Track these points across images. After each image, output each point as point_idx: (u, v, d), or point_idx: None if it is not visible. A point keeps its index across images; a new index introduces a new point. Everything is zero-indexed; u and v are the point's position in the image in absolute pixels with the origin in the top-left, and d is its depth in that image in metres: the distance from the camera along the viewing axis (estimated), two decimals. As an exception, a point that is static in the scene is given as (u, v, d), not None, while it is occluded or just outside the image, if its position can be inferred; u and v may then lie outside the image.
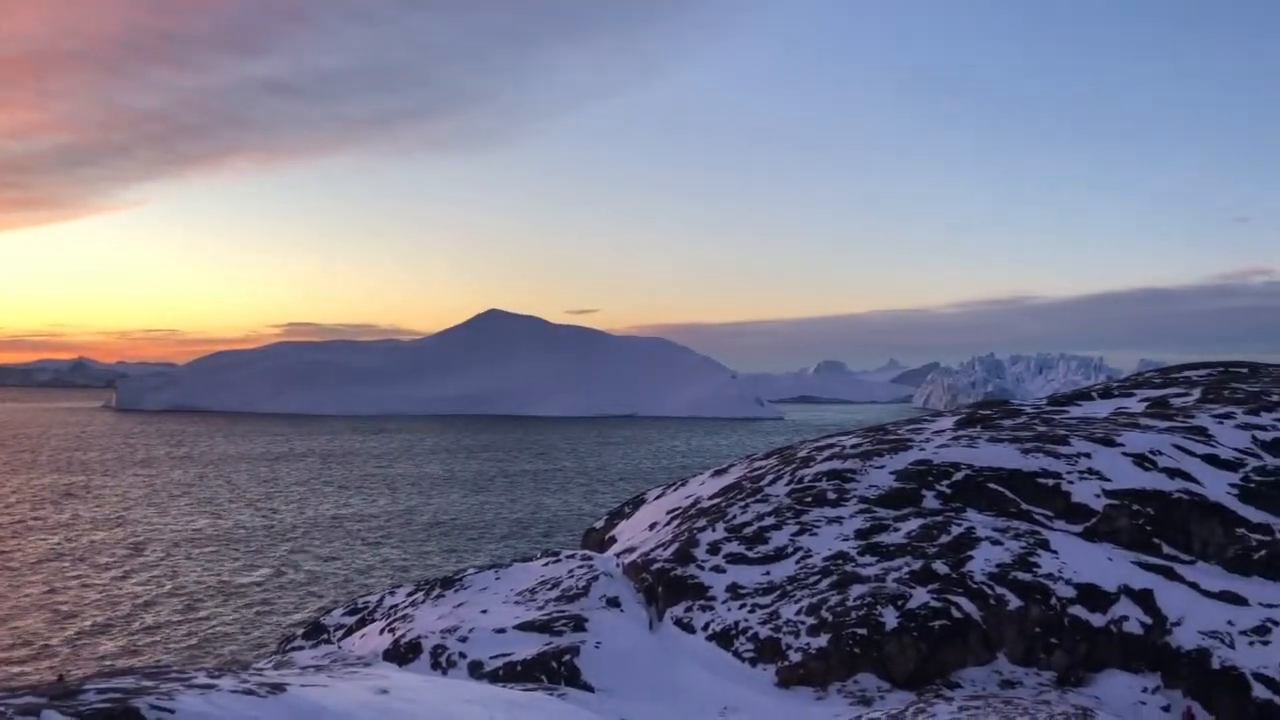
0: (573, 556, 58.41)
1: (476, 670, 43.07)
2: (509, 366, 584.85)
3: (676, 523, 59.58)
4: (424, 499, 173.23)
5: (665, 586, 50.10)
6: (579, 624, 46.32)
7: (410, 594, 56.22)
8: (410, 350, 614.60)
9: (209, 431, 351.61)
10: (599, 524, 72.80)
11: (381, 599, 57.26)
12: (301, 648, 52.45)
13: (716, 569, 50.93)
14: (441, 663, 44.14)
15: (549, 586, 52.52)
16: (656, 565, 52.07)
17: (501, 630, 46.42)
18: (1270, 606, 46.78)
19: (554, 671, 42.29)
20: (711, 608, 47.93)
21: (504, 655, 43.82)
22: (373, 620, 53.38)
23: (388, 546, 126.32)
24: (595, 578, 52.38)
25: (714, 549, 52.61)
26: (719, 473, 71.63)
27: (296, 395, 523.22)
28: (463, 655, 44.33)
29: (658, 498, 71.01)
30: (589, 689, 41.31)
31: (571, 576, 53.21)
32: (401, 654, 45.52)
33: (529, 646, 44.31)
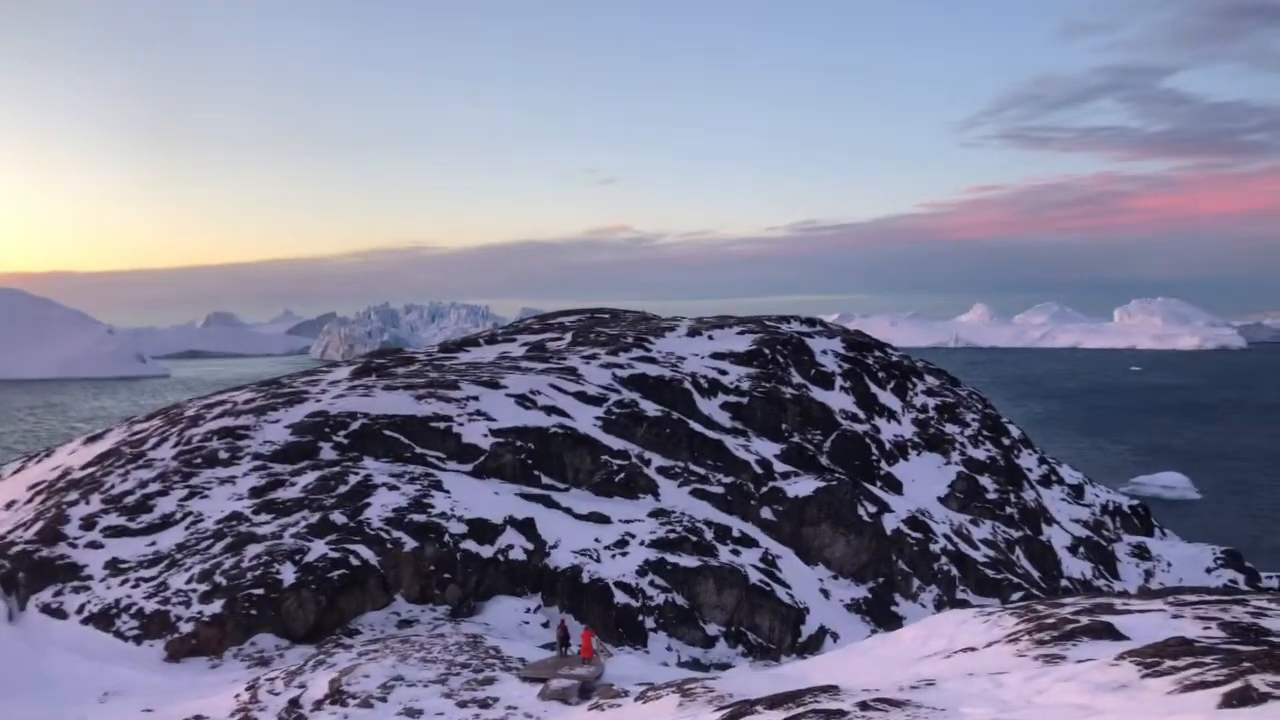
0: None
1: None
2: None
3: (41, 498, 52.94)
4: None
5: (28, 571, 44.27)
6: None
7: None
8: None
9: None
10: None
11: None
12: None
13: (93, 545, 46.15)
14: None
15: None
16: (16, 549, 45.79)
17: None
18: (628, 522, 53.59)
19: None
20: (88, 588, 43.38)
21: None
22: None
23: None
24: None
25: (89, 523, 47.58)
26: (93, 439, 64.84)
27: None
28: None
29: (15, 472, 62.55)
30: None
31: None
32: None
33: None
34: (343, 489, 50.19)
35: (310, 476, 51.60)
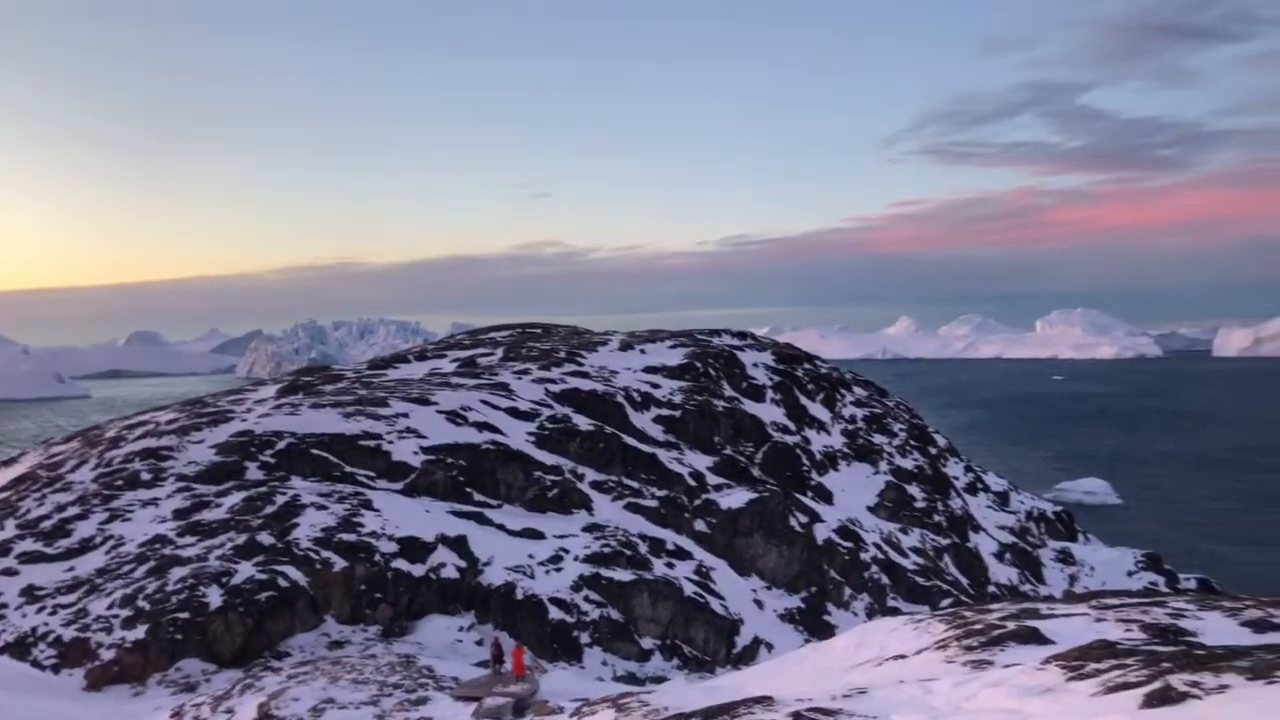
0: None
1: None
2: None
3: (-47, 524, 51.14)
4: None
5: (-61, 600, 42.78)
6: None
7: None
8: None
9: None
10: None
11: None
12: None
13: (8, 572, 44.77)
14: None
15: None
16: (-73, 577, 44.20)
17: None
18: (562, 537, 53.40)
19: None
20: (2, 616, 42.03)
21: None
22: None
23: None
24: None
25: (3, 550, 46.16)
26: (7, 463, 63.02)
27: None
28: None
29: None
30: None
31: None
32: None
33: None
34: (270, 509, 49.28)
35: (236, 497, 50.59)
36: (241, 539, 46.34)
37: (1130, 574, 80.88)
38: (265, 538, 46.56)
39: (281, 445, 55.96)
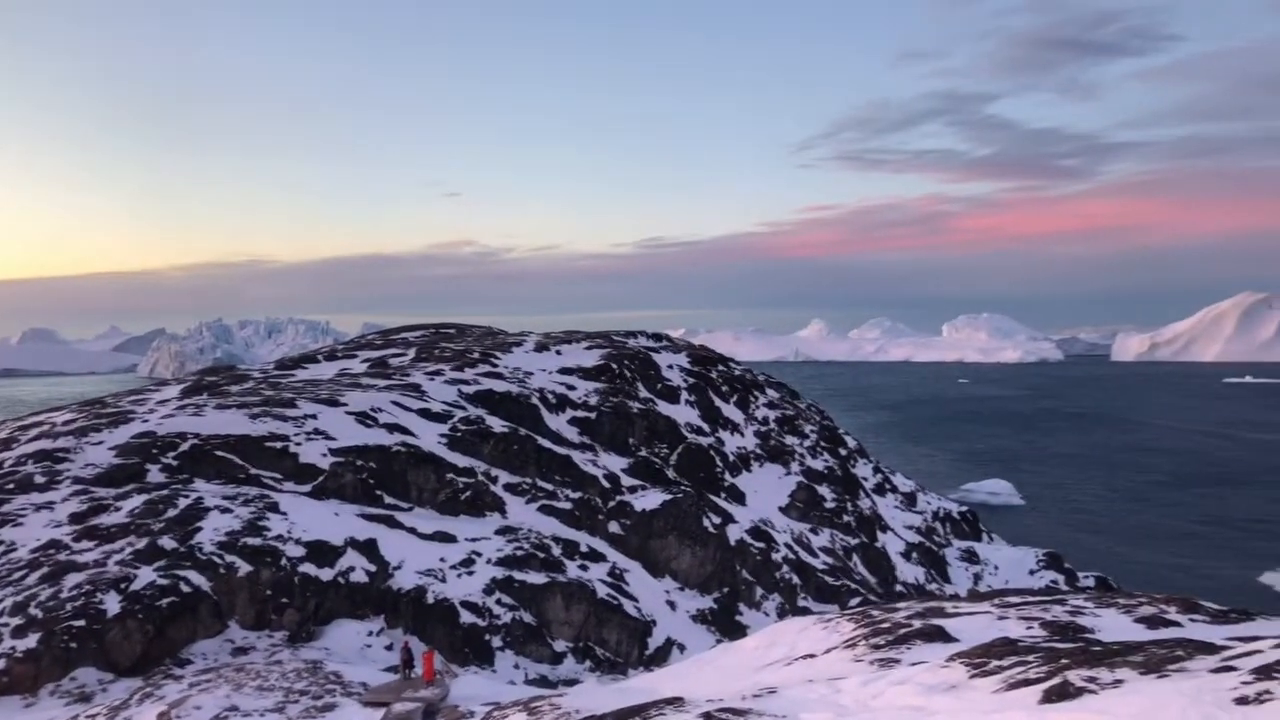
0: None
1: None
2: None
3: None
4: None
5: None
6: None
7: None
8: None
9: None
10: None
11: None
12: None
13: (-111, 579, 42.67)
14: None
15: None
16: None
17: None
18: (474, 540, 52.93)
19: None
20: (-117, 626, 40.07)
21: None
22: None
23: None
24: None
25: (-115, 556, 43.98)
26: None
27: None
28: None
29: None
30: None
31: None
32: None
33: None
34: (172, 513, 47.88)
35: (137, 500, 49.04)
36: (142, 543, 44.93)
37: (1032, 572, 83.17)
38: (167, 542, 45.23)
39: (185, 447, 54.45)
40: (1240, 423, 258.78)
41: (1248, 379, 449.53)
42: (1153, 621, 22.98)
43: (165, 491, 50.03)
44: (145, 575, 42.74)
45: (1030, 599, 27.68)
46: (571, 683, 43.20)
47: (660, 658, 51.00)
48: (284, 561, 45.96)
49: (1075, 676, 15.92)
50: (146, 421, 57.82)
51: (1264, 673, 13.95)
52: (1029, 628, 22.93)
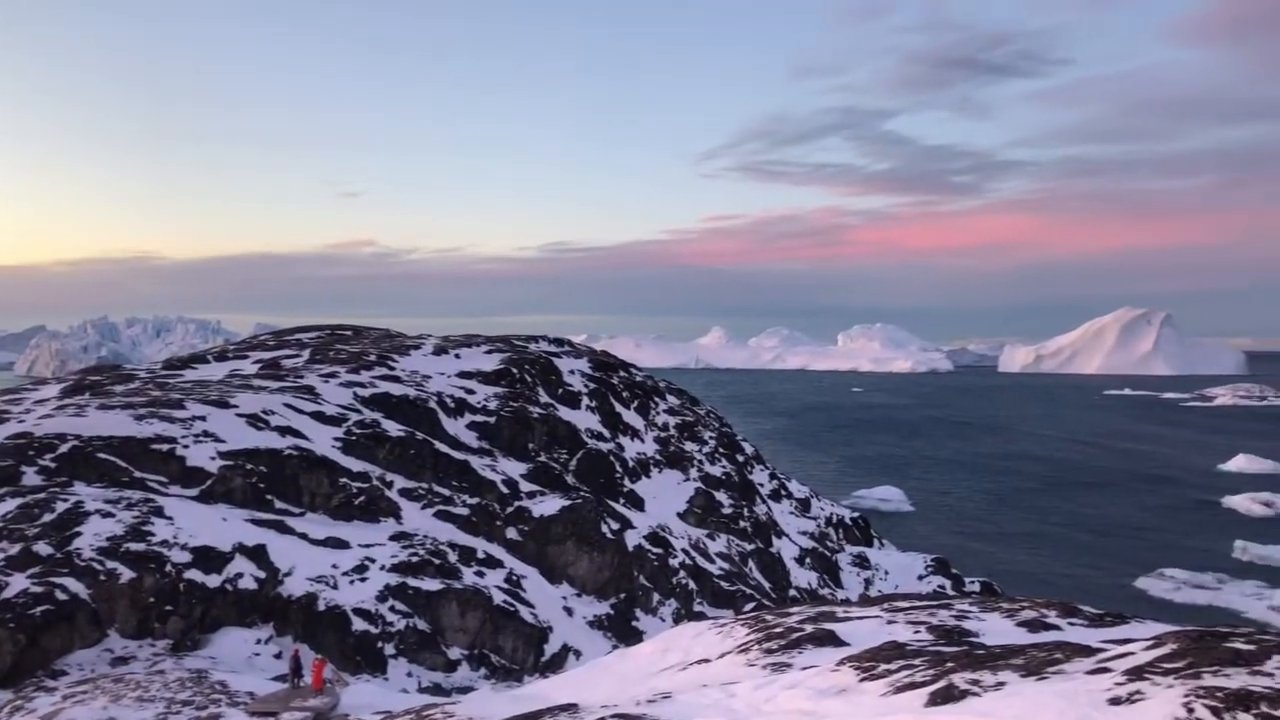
0: None
1: None
2: None
3: None
4: None
5: None
6: None
7: None
8: None
9: None
10: None
11: None
12: None
13: None
14: None
15: None
16: None
17: None
18: (368, 546, 52.05)
19: None
20: None
21: None
22: None
23: None
24: None
25: None
26: None
27: None
28: None
29: None
30: None
31: None
32: None
33: None
34: (49, 517, 45.96)
35: (10, 504, 46.94)
36: (15, 549, 43.03)
37: (921, 578, 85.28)
38: (43, 548, 43.41)
39: (64, 449, 52.34)
40: (1117, 433, 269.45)
41: (1126, 391, 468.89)
42: (1034, 625, 23.78)
43: (42, 495, 48.01)
44: (18, 583, 40.95)
45: (918, 604, 28.39)
46: (466, 690, 42.76)
47: (556, 664, 50.83)
48: (169, 568, 44.54)
49: (959, 679, 16.39)
50: (23, 422, 55.44)
51: (1136, 674, 14.57)
52: (916, 632, 23.52)
